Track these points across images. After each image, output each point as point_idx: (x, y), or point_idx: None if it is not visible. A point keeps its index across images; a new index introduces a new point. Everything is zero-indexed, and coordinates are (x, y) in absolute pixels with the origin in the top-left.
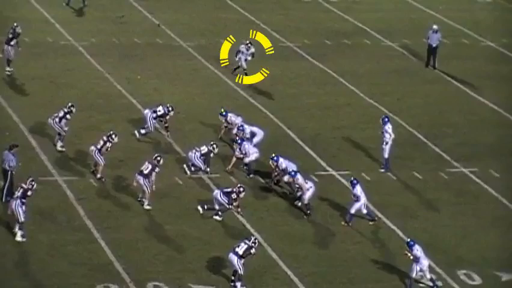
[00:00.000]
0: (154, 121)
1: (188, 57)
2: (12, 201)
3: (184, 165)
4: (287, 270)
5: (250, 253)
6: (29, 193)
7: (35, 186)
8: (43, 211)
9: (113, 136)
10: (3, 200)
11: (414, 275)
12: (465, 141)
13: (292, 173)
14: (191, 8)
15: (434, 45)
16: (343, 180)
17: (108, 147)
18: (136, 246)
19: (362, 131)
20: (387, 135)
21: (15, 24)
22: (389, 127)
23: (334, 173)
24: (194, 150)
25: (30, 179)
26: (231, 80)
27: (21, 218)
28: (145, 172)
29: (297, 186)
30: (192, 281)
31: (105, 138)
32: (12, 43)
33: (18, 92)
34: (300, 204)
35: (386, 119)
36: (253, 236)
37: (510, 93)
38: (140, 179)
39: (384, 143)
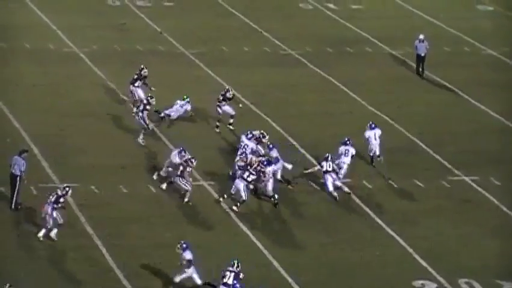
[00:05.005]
0: (142, 114)
1: (190, 64)
2: (47, 206)
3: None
4: (288, 278)
5: (241, 279)
6: (61, 200)
7: (69, 193)
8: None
9: (193, 160)
10: (13, 207)
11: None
12: (466, 149)
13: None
14: (193, 15)
15: (422, 54)
16: (344, 188)
17: (188, 172)
18: (136, 253)
19: (362, 139)
20: (342, 158)
21: (142, 66)
22: (347, 150)
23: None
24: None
25: (65, 185)
26: (233, 87)
27: (50, 223)
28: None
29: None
30: None
31: (184, 162)
32: (136, 84)
33: (20, 98)
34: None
35: (347, 141)
36: (235, 260)
37: (511, 101)
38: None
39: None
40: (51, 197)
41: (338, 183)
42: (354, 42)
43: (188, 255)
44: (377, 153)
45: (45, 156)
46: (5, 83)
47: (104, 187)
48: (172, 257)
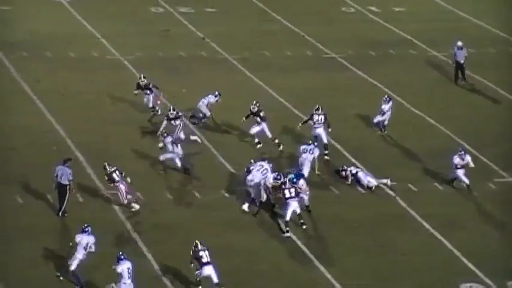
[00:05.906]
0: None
1: (233, 69)
2: (122, 185)
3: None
4: (335, 283)
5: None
6: (123, 173)
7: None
8: (90, 224)
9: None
10: (60, 214)
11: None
12: None
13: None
14: (235, 21)
15: (461, 61)
16: (390, 192)
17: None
18: (182, 259)
19: (407, 142)
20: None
21: (139, 75)
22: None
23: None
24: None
25: (113, 167)
26: (275, 92)
27: (126, 198)
28: None
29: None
30: None
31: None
32: (148, 93)
33: (64, 106)
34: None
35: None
36: (196, 241)
37: None
38: None
39: None
40: (115, 177)
41: (373, 181)
42: (397, 45)
43: (78, 237)
44: (386, 123)
45: (90, 164)
46: (51, 92)
47: (150, 193)
48: (219, 262)
